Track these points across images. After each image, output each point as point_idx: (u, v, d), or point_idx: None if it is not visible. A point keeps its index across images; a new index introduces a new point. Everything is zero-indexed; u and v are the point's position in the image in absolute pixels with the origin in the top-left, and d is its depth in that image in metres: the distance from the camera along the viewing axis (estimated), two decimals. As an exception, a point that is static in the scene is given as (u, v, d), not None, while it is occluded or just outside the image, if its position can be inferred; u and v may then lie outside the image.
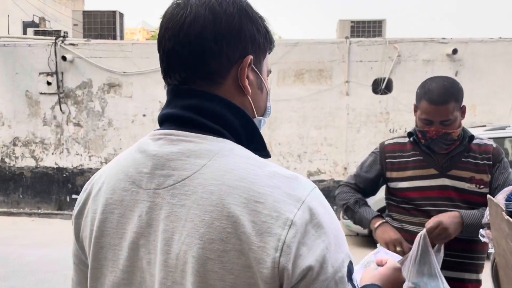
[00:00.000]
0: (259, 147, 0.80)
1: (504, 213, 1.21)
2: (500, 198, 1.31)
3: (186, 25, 0.76)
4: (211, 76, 0.77)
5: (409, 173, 1.83)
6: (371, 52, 8.28)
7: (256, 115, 0.84)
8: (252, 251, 0.65)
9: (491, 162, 1.77)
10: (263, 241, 0.65)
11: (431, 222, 1.67)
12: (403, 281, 1.12)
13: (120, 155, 0.85)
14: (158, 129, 0.79)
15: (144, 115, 8.93)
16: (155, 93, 8.74)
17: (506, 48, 8.13)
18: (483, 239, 1.51)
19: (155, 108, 8.85)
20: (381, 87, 8.22)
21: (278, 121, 8.50)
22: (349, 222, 5.99)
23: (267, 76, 0.88)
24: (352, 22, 8.98)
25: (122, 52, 8.83)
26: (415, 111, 1.82)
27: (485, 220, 1.48)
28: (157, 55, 0.83)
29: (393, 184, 1.88)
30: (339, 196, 1.99)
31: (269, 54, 0.88)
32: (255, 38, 0.80)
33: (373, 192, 1.99)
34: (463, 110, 1.77)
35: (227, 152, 0.73)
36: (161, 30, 0.80)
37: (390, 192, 1.93)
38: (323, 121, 8.41)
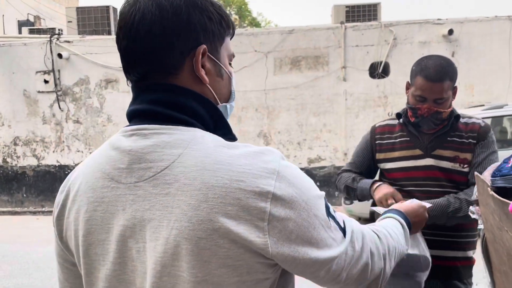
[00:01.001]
0: (226, 132, 0.83)
1: (489, 189, 1.24)
2: (486, 175, 1.34)
3: (136, 23, 0.78)
4: (167, 69, 0.80)
5: (396, 154, 1.85)
6: (367, 36, 8.25)
7: (220, 102, 0.86)
8: (242, 224, 0.70)
9: (475, 141, 1.76)
10: (250, 214, 0.71)
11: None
12: (426, 218, 1.19)
13: (92, 155, 0.87)
14: (128, 126, 0.82)
15: (142, 110, 8.95)
16: (153, 87, 8.75)
17: (501, 27, 8.09)
18: (472, 216, 1.53)
19: (153, 102, 8.88)
20: (378, 71, 8.20)
21: (277, 109, 8.51)
22: (351, 207, 6.04)
23: (230, 60, 0.89)
24: (347, 6, 8.94)
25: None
26: (407, 88, 1.83)
27: (474, 197, 1.50)
28: None
29: (382, 165, 1.90)
30: (339, 182, 2.01)
31: (230, 39, 0.89)
32: (206, 27, 0.81)
33: (370, 177, 2.01)
34: (454, 91, 1.78)
35: (200, 140, 0.76)
36: (117, 30, 0.83)
37: (381, 173, 1.96)
38: (322, 107, 8.42)
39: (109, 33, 9.44)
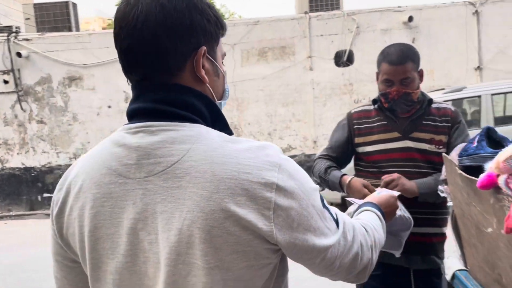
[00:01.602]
0: (224, 127, 0.88)
1: (457, 168, 1.34)
2: (453, 155, 1.44)
3: (139, 25, 0.79)
4: (169, 70, 0.83)
5: (374, 137, 1.95)
6: (331, 25, 8.39)
7: (216, 99, 0.91)
8: (249, 213, 0.75)
9: (449, 124, 1.89)
10: (257, 203, 0.76)
11: (388, 176, 1.79)
12: (397, 207, 1.28)
13: (92, 153, 0.89)
14: (130, 123, 0.84)
15: (109, 107, 8.78)
16: (119, 83, 8.59)
17: (458, 12, 8.40)
18: (442, 194, 1.64)
19: (121, 99, 8.72)
20: (343, 59, 8.37)
21: (246, 101, 8.55)
22: (323, 193, 6.18)
23: (222, 59, 0.94)
24: (310, -3, 9.04)
25: (80, 44, 8.60)
26: (378, 79, 1.94)
27: (442, 176, 1.61)
28: None
29: (360, 149, 1.99)
30: (314, 170, 2.09)
31: (222, 37, 0.92)
32: (206, 29, 0.85)
33: (347, 160, 2.09)
34: (420, 74, 1.90)
35: (206, 135, 0.81)
36: (115, 28, 0.84)
37: (358, 158, 2.04)
38: (290, 97, 8.52)
39: (69, 29, 9.17)
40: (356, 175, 2.08)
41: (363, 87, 8.37)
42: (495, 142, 1.29)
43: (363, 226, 1.01)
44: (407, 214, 1.55)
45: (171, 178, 0.78)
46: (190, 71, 0.84)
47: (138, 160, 0.80)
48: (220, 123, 0.88)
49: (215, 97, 0.90)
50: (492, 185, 1.06)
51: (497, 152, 1.11)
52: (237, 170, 0.76)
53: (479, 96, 6.44)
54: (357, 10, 8.45)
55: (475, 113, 6.68)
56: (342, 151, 2.06)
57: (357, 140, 2.00)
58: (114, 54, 7.85)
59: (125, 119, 0.88)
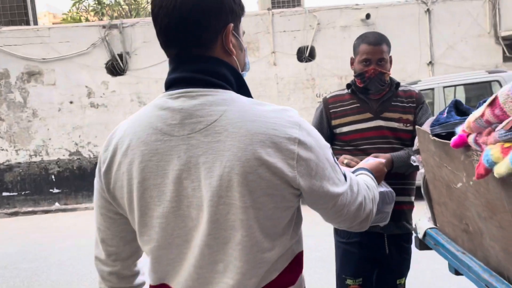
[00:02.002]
0: (247, 94, 1.03)
1: (430, 136, 1.57)
2: (425, 127, 1.66)
3: (179, 4, 0.93)
4: (204, 44, 0.97)
5: (349, 118, 2.16)
6: (293, 22, 8.65)
7: (240, 70, 1.06)
8: (277, 162, 0.91)
9: (414, 105, 2.15)
10: (283, 154, 0.92)
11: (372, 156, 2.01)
12: (385, 172, 1.47)
13: (135, 117, 1.02)
14: (170, 91, 0.98)
15: (71, 102, 8.62)
16: (80, 78, 8.46)
17: (412, 10, 8.91)
18: (414, 164, 1.88)
19: (83, 94, 8.58)
20: (305, 55, 8.66)
21: (211, 95, 8.65)
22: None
23: (242, 36, 1.09)
24: (272, -7, 9.27)
25: (39, 38, 8.39)
26: (352, 64, 2.16)
27: (415, 147, 1.84)
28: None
29: (338, 130, 2.20)
30: None
31: (242, 17, 1.08)
32: (233, 9, 1.00)
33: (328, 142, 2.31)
34: (390, 59, 2.15)
35: (237, 99, 0.96)
36: (154, 8, 0.98)
37: (335, 138, 2.25)
38: (255, 92, 8.70)
39: (27, 23, 8.91)
40: (334, 153, 2.29)
41: (325, 81, 8.70)
42: (462, 112, 1.52)
43: (365, 182, 1.20)
44: (389, 189, 1.76)
45: (211, 134, 0.92)
46: (220, 45, 0.99)
47: (181, 120, 0.94)
48: (244, 90, 1.03)
49: (239, 68, 1.06)
50: (463, 144, 1.28)
51: (465, 119, 1.32)
52: (266, 127, 0.92)
53: (433, 89, 6.91)
54: (318, 7, 8.77)
55: (429, 104, 7.15)
56: (322, 133, 2.25)
57: (334, 122, 2.20)
58: (75, 48, 7.76)
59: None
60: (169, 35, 0.97)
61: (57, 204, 8.88)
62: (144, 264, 1.16)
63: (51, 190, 8.91)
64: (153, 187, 0.96)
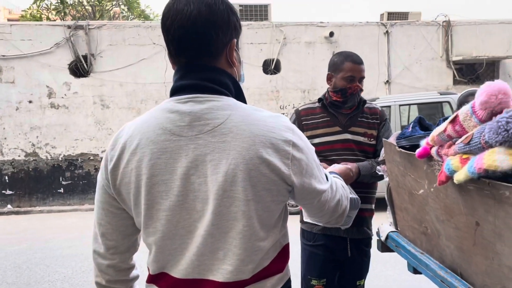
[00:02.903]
0: (243, 102, 1.17)
1: (396, 147, 1.76)
2: (392, 140, 1.86)
3: (193, 18, 1.04)
4: (212, 55, 1.11)
5: (320, 131, 2.33)
6: (260, 35, 8.87)
7: (238, 80, 1.21)
8: (276, 161, 1.05)
9: (378, 121, 2.36)
10: (280, 154, 1.05)
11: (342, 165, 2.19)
12: (352, 177, 1.63)
13: (142, 119, 1.12)
14: (178, 96, 1.09)
15: (30, 102, 8.37)
16: (41, 77, 8.25)
17: (372, 31, 9.37)
18: (379, 173, 2.07)
19: (43, 93, 8.36)
20: (271, 67, 8.88)
21: (176, 102, 8.66)
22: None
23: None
24: (240, 6, 9.45)
25: (-1, 34, 8.12)
26: (329, 79, 2.33)
27: (381, 158, 2.03)
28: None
29: (309, 141, 2.36)
30: None
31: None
32: (236, 25, 1.15)
33: None
34: None
35: (238, 105, 1.10)
36: (167, 20, 1.09)
37: None
38: (220, 100, 8.81)
39: (-14, 17, 8.59)
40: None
41: (288, 94, 8.95)
42: (425, 127, 1.72)
43: (340, 183, 1.36)
44: (355, 196, 1.94)
45: (218, 135, 1.04)
46: (224, 57, 1.12)
47: (190, 122, 1.06)
48: (241, 97, 1.17)
49: (238, 78, 1.20)
50: (426, 155, 1.47)
51: (428, 133, 1.52)
52: (266, 130, 1.06)
53: (389, 106, 7.31)
54: (284, 22, 9.04)
55: (386, 121, 7.55)
56: None
57: (305, 134, 2.35)
58: (37, 47, 7.67)
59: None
60: (182, 45, 1.09)
61: (9, 206, 8.54)
62: (137, 258, 1.25)
63: (3, 191, 8.56)
64: (161, 183, 1.06)
